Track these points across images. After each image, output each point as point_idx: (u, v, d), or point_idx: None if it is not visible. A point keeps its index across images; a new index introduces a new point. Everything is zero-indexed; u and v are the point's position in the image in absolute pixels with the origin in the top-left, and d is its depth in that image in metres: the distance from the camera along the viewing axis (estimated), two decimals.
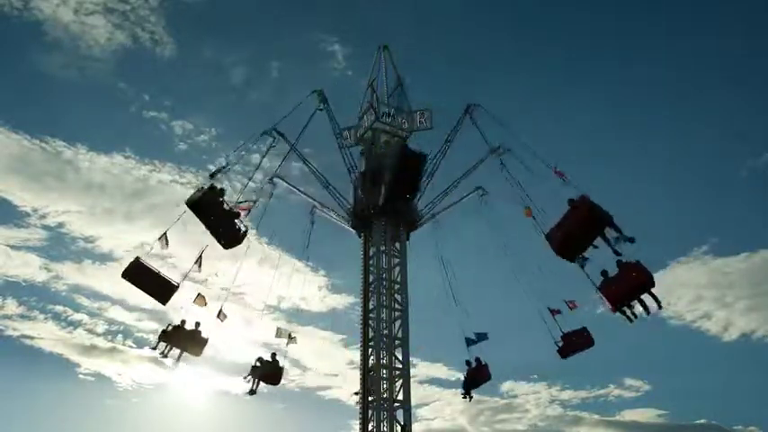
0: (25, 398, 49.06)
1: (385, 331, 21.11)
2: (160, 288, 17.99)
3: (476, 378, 20.91)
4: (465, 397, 21.02)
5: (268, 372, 20.49)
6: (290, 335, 21.30)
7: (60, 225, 49.88)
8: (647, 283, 16.29)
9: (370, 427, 20.07)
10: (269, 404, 53.92)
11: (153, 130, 55.36)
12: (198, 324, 19.15)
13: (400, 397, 20.59)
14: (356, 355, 21.71)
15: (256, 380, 20.32)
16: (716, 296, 54.75)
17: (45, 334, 50.07)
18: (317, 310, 53.08)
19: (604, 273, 16.58)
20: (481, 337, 21.11)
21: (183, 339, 18.74)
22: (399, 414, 20.43)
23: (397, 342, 21.25)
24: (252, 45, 64.49)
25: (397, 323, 21.57)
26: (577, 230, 16.70)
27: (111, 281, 47.61)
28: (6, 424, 45.82)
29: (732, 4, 57.00)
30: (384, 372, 20.67)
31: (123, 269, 17.81)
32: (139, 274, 17.82)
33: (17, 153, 47.47)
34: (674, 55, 58.80)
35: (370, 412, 20.33)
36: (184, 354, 18.97)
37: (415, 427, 20.77)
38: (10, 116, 49.27)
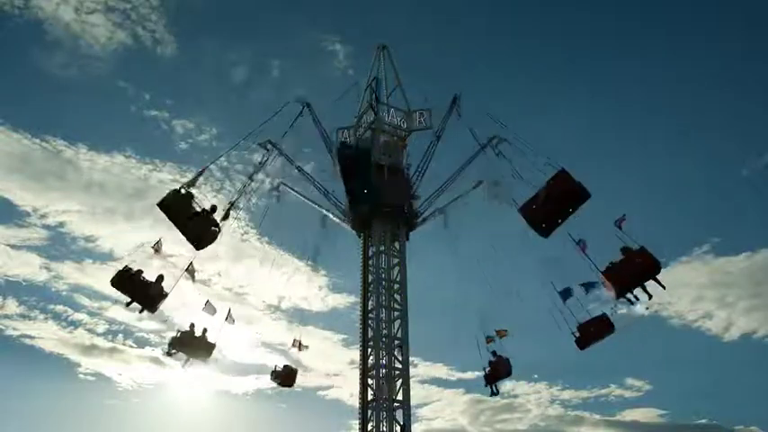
0: (25, 398, 49.11)
1: (384, 331, 21.09)
2: (148, 297, 17.96)
3: (497, 372, 20.82)
4: (492, 395, 20.93)
5: (284, 375, 22.17)
6: (300, 343, 22.43)
7: (61, 224, 49.99)
8: (653, 269, 16.08)
9: (369, 427, 20.06)
10: (269, 404, 54.01)
11: (153, 130, 55.56)
12: (205, 330, 19.62)
13: (400, 397, 20.57)
14: (357, 355, 21.73)
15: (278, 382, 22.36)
16: (717, 296, 54.88)
17: (45, 334, 50.14)
18: (318, 310, 53.12)
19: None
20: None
21: (192, 345, 19.20)
22: (399, 414, 20.39)
23: (396, 342, 21.23)
24: (253, 44, 64.63)
25: (397, 323, 21.55)
26: (554, 201, 16.45)
27: None
28: (6, 424, 45.89)
29: (732, 4, 57.07)
30: (384, 372, 20.65)
31: (111, 277, 17.70)
32: (128, 283, 17.78)
33: (17, 152, 47.57)
34: (673, 55, 58.88)
35: (369, 412, 20.32)
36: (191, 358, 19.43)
37: (416, 427, 20.84)
38: (10, 115, 49.31)
